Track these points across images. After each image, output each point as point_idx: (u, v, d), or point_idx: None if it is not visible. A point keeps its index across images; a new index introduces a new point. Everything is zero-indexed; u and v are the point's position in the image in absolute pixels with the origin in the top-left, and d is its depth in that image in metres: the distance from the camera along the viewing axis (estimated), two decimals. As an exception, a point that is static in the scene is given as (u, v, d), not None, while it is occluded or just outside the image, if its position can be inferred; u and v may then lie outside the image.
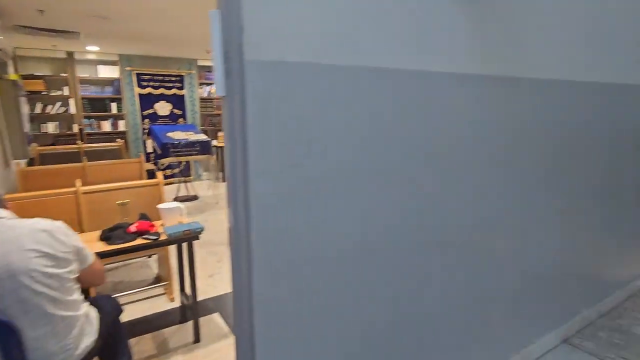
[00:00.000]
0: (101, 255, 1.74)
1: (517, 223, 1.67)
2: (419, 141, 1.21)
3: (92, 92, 6.43)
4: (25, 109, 5.27)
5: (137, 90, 6.56)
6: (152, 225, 2.03)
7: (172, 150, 5.33)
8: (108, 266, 3.26)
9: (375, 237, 1.18)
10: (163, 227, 2.06)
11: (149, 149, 6.73)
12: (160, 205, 2.11)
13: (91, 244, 1.85)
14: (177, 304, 2.65)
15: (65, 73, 6.14)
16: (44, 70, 6.07)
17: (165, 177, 6.65)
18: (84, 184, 2.49)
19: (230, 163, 0.97)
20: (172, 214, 2.10)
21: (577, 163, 1.89)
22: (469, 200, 1.43)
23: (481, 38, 1.31)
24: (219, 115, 7.72)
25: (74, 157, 4.46)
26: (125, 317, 2.51)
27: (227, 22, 0.89)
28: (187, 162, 6.59)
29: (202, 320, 2.41)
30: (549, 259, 1.91)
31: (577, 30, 1.65)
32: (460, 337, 1.57)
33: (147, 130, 6.62)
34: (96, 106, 6.47)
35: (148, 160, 6.67)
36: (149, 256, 3.46)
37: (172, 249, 2.75)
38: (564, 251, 1.99)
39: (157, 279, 3.07)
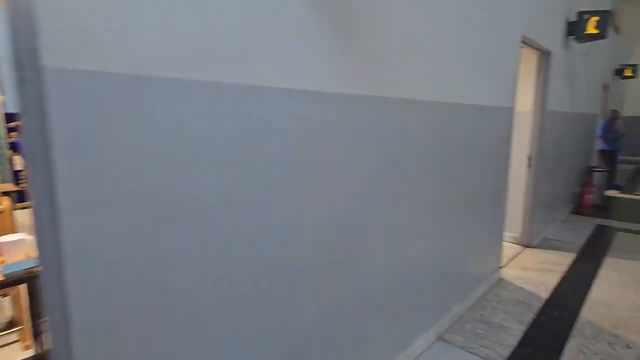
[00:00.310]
0: None
1: (388, 232, 1.77)
2: (280, 161, 1.20)
3: None
4: None
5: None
6: (-15, 264, 1.68)
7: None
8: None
9: (237, 263, 1.12)
10: (3, 264, 1.72)
11: (18, 167, 5.74)
12: (-3, 239, 1.77)
13: None
14: (33, 352, 2.23)
15: None
16: None
17: (38, 199, 5.72)
18: None
19: (34, 196, 0.82)
20: (14, 248, 1.77)
21: (440, 174, 2.10)
22: (337, 213, 1.47)
23: (345, 61, 1.37)
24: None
25: None
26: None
27: (17, 19, 0.76)
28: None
29: (64, 368, 2.06)
30: (422, 263, 2.08)
31: (436, 57, 1.85)
32: (339, 349, 1.59)
33: (13, 145, 5.63)
34: (-61, 116, 5.30)
35: (17, 180, 5.68)
36: (3, 295, 2.89)
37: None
38: (434, 254, 2.18)
39: (11, 324, 2.56)
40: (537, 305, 2.71)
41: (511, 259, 3.54)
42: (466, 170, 2.38)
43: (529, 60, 3.55)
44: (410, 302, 2.04)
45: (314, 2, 1.24)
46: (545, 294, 2.90)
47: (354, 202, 1.55)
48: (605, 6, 5.12)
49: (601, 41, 4.17)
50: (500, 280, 3.12)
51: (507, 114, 2.81)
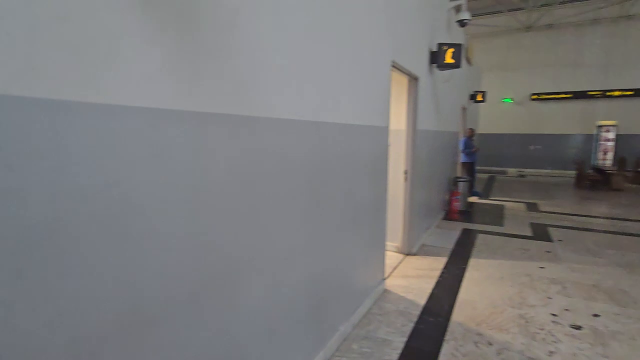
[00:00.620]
0: None
1: (262, 258, 1.61)
2: (106, 189, 0.95)
3: None
4: None
5: None
6: None
7: None
8: None
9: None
10: None
11: None
12: None
13: None
14: None
15: None
16: None
17: None
18: None
19: None
20: None
21: (316, 192, 2.04)
22: (198, 244, 1.26)
23: (190, 74, 1.18)
24: None
25: None
26: None
27: None
28: None
29: None
30: (304, 287, 1.97)
31: (310, 77, 1.79)
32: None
33: None
34: None
35: None
36: None
37: None
38: (316, 275, 2.10)
39: None
40: (415, 314, 2.87)
41: (394, 269, 3.74)
42: (344, 186, 2.39)
43: (400, 84, 3.86)
44: (295, 330, 1.91)
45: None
46: (423, 300, 3.09)
47: (219, 229, 1.36)
48: (459, 40, 5.97)
49: (458, 70, 4.83)
50: (385, 291, 3.24)
51: (382, 132, 2.96)
